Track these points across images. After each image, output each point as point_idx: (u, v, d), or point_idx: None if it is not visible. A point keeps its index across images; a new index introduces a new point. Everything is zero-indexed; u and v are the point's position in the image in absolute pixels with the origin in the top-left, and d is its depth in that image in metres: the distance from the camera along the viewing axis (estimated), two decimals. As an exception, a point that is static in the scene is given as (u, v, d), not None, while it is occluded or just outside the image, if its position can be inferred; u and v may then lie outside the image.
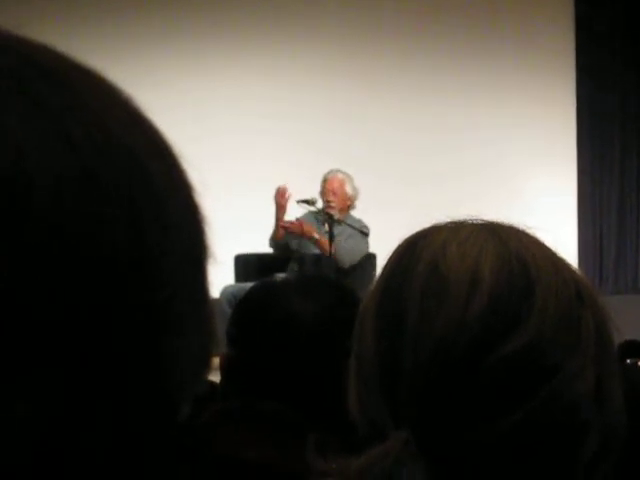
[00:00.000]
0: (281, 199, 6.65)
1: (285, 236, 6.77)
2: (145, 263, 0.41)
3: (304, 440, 0.97)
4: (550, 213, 7.98)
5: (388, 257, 1.04)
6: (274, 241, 6.82)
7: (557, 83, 8.81)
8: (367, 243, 6.75)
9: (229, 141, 8.51)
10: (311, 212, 6.88)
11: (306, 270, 6.56)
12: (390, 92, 8.70)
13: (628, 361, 2.90)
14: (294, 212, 6.82)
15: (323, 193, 6.87)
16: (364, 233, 6.73)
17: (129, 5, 8.59)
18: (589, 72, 8.69)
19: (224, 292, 6.63)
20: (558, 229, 7.81)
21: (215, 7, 8.63)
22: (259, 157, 8.51)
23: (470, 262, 0.96)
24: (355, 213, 6.94)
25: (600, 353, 0.94)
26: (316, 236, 6.63)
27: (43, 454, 0.39)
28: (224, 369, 1.66)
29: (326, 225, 6.65)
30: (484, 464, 0.91)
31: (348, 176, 6.93)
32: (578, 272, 0.99)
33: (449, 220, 1.03)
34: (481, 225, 1.02)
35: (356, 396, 1.02)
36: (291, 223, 6.73)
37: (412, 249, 1.01)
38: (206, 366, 0.47)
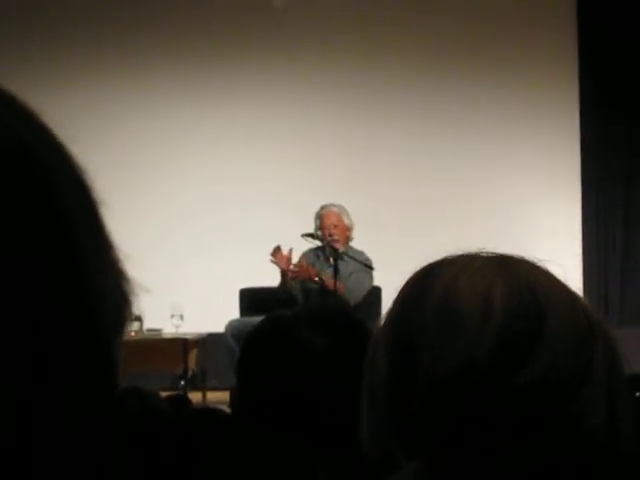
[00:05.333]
0: (280, 261, 6.62)
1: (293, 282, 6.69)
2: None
3: (316, 472, 0.98)
4: (554, 245, 7.98)
5: (400, 288, 1.04)
6: (283, 290, 6.70)
7: (560, 111, 8.83)
8: (371, 278, 6.71)
9: (239, 170, 8.53)
10: (311, 249, 6.84)
11: (312, 303, 6.54)
12: (395, 125, 8.73)
13: (638, 394, 2.88)
14: (297, 246, 6.80)
15: (322, 229, 6.78)
16: (368, 267, 6.68)
17: (147, 37, 8.67)
18: (593, 99, 8.73)
19: (229, 326, 6.62)
20: (562, 261, 7.81)
21: (233, 41, 8.70)
22: (266, 189, 8.52)
23: (481, 293, 0.96)
24: (362, 245, 6.88)
25: (611, 383, 0.94)
26: (323, 276, 6.57)
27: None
28: (234, 401, 1.67)
29: (330, 259, 6.62)
30: None
31: (342, 207, 6.89)
32: (589, 304, 1.00)
33: (460, 253, 1.04)
34: (492, 257, 1.03)
35: (368, 426, 1.02)
36: (299, 268, 6.65)
37: (424, 280, 1.02)
38: (126, 302, 0.49)
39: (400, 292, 1.04)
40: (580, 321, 0.96)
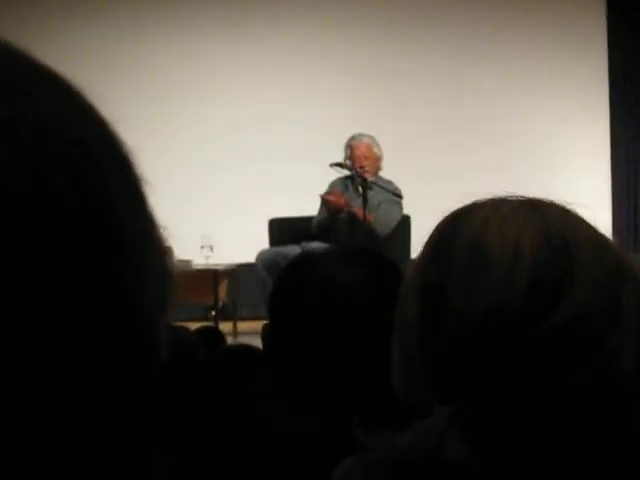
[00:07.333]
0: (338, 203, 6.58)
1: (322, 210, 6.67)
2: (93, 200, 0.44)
3: (348, 412, 0.99)
4: (583, 188, 7.93)
5: (430, 233, 1.05)
6: (319, 228, 6.69)
7: (589, 51, 8.70)
8: (401, 208, 6.67)
9: (262, 110, 8.50)
10: (340, 178, 6.80)
11: (340, 233, 6.53)
12: (420, 58, 8.64)
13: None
14: (323, 177, 6.79)
15: (352, 159, 6.71)
16: (398, 196, 6.63)
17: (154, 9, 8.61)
18: (620, 40, 8.60)
19: (260, 257, 6.63)
20: (591, 204, 7.87)
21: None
22: (290, 125, 8.49)
23: (511, 237, 0.97)
24: (391, 176, 6.83)
25: (641, 328, 0.95)
26: (354, 209, 6.52)
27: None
28: (266, 338, 1.69)
29: (359, 189, 6.58)
30: (529, 438, 0.93)
31: (372, 138, 6.79)
32: (619, 248, 1.00)
33: (490, 197, 1.04)
34: (522, 201, 1.03)
35: (399, 369, 1.03)
36: (334, 196, 6.63)
37: (454, 225, 1.02)
38: (170, 285, 0.49)
39: (430, 237, 1.04)
40: (610, 264, 0.96)
